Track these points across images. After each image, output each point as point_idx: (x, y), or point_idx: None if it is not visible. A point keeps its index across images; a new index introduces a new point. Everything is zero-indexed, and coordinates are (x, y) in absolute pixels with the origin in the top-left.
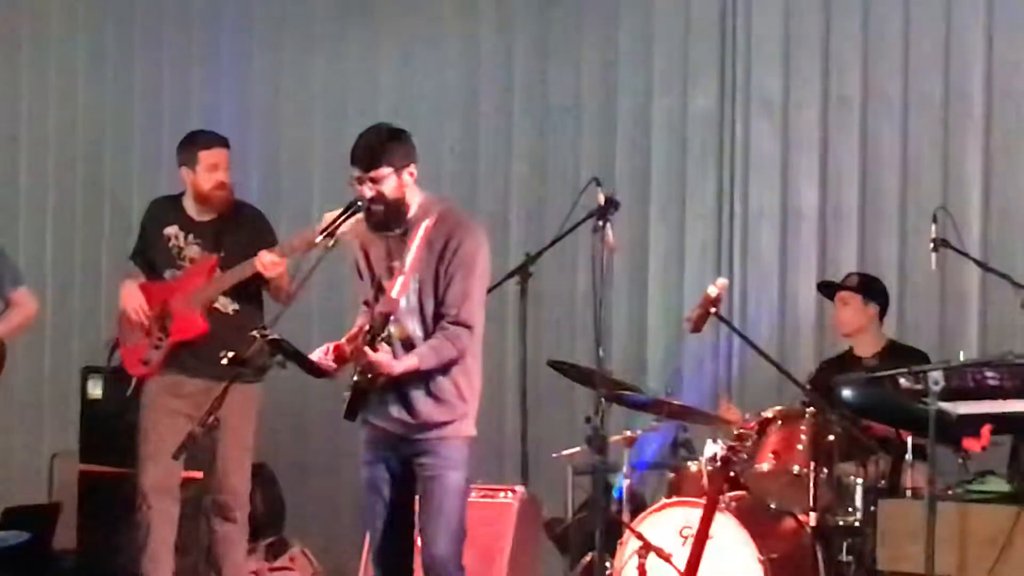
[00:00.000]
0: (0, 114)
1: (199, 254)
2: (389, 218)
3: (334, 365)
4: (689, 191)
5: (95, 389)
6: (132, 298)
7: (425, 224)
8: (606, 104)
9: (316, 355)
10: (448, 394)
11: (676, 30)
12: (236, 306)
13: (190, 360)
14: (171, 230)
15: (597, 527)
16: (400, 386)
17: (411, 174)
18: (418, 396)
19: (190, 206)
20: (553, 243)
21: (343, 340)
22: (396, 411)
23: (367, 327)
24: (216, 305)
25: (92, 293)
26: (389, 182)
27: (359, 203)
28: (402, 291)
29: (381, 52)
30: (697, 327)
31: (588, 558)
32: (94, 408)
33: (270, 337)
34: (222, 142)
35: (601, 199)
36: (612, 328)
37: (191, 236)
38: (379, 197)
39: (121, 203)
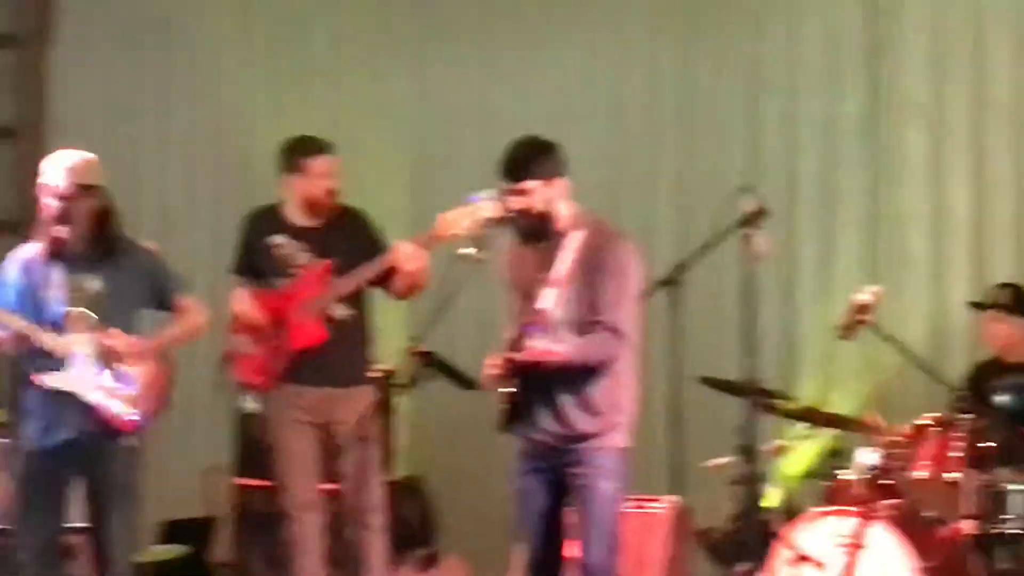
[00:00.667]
0: (155, 129)
1: (309, 261)
2: (537, 230)
3: (497, 373)
4: (838, 197)
5: (249, 403)
6: (245, 307)
7: (578, 236)
8: (753, 110)
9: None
10: (599, 405)
11: (823, 34)
12: (350, 311)
13: (307, 370)
14: (277, 239)
15: (751, 537)
16: (552, 397)
17: (559, 186)
18: (569, 407)
19: (293, 214)
20: (702, 251)
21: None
22: (548, 422)
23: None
24: (330, 312)
25: None
26: (536, 195)
27: (482, 202)
28: (554, 302)
29: (529, 60)
30: (849, 334)
31: (741, 568)
32: (248, 422)
33: (421, 350)
34: (329, 148)
35: (750, 207)
36: (761, 336)
37: (299, 243)
38: (526, 210)
39: None
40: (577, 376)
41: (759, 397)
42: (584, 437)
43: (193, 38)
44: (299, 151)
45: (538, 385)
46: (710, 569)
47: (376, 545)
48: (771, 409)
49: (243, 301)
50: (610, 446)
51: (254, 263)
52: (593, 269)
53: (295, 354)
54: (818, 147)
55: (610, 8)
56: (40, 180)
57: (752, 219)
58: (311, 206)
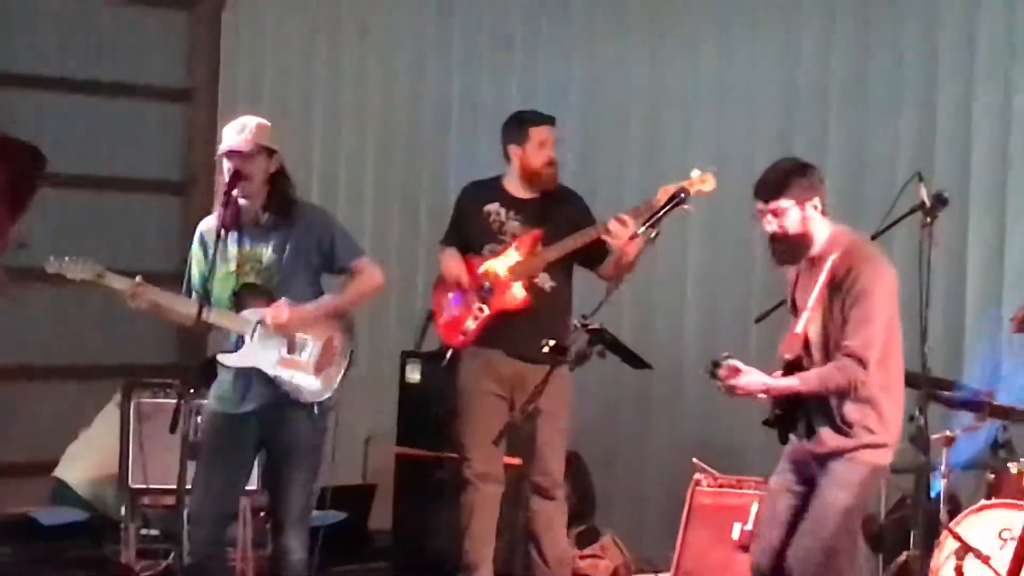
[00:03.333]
0: (323, 102)
1: (520, 230)
2: (792, 252)
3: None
4: (1011, 186)
5: (414, 374)
6: (454, 265)
7: (832, 259)
8: (926, 98)
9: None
10: (850, 424)
11: (1000, 22)
12: (553, 283)
13: (507, 336)
14: (491, 207)
15: (917, 527)
16: (808, 415)
17: (815, 207)
18: (821, 424)
19: (512, 184)
20: (873, 238)
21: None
22: (804, 439)
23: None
24: (535, 280)
25: (409, 278)
26: (791, 215)
27: (681, 195)
28: (806, 325)
29: (699, 44)
30: (1022, 327)
31: (903, 557)
32: (412, 392)
33: (592, 326)
34: (550, 120)
35: (926, 195)
36: (929, 326)
37: (512, 212)
38: (780, 232)
39: (438, 188)
40: (828, 398)
41: (931, 387)
42: (832, 454)
43: (365, 4)
44: (522, 121)
45: (797, 403)
46: (870, 558)
47: (556, 517)
48: (941, 399)
49: (452, 260)
50: (856, 459)
51: (467, 232)
52: (838, 293)
53: (496, 316)
54: (991, 135)
55: None
56: (220, 146)
57: (931, 207)
58: (531, 176)
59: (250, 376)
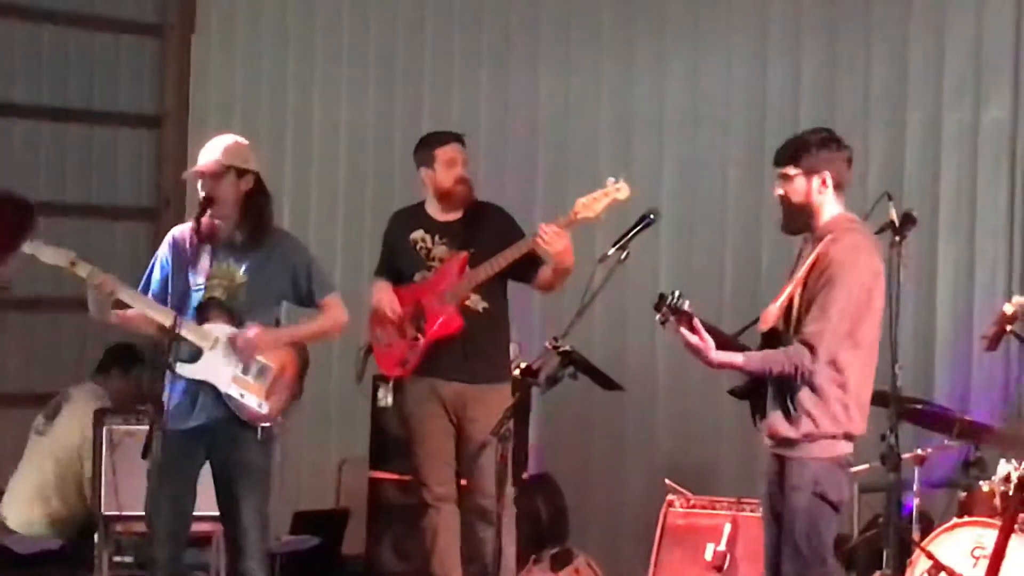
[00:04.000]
0: (293, 124)
1: (447, 253)
2: (792, 221)
3: None
4: (980, 205)
5: (386, 397)
6: (384, 297)
7: (825, 240)
8: (895, 116)
9: None
10: (800, 413)
11: (968, 41)
12: (486, 304)
13: (445, 361)
14: (417, 234)
15: (889, 545)
16: (769, 399)
17: (824, 182)
18: (773, 409)
19: (433, 208)
20: None
21: None
22: (760, 422)
23: None
24: (467, 303)
25: None
26: (796, 184)
27: (651, 216)
28: (784, 301)
29: (669, 64)
30: (993, 345)
31: None
32: (384, 416)
33: (563, 348)
34: (457, 138)
35: (895, 215)
36: (899, 344)
37: (438, 237)
38: (784, 197)
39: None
40: (780, 384)
41: (902, 406)
42: (782, 442)
43: (337, 28)
44: (429, 142)
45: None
46: None
47: (506, 544)
48: (913, 418)
49: (382, 292)
50: (806, 456)
51: (396, 261)
52: (813, 278)
53: (432, 343)
54: (960, 154)
55: (749, 14)
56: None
57: (900, 227)
58: (445, 197)
59: (199, 391)
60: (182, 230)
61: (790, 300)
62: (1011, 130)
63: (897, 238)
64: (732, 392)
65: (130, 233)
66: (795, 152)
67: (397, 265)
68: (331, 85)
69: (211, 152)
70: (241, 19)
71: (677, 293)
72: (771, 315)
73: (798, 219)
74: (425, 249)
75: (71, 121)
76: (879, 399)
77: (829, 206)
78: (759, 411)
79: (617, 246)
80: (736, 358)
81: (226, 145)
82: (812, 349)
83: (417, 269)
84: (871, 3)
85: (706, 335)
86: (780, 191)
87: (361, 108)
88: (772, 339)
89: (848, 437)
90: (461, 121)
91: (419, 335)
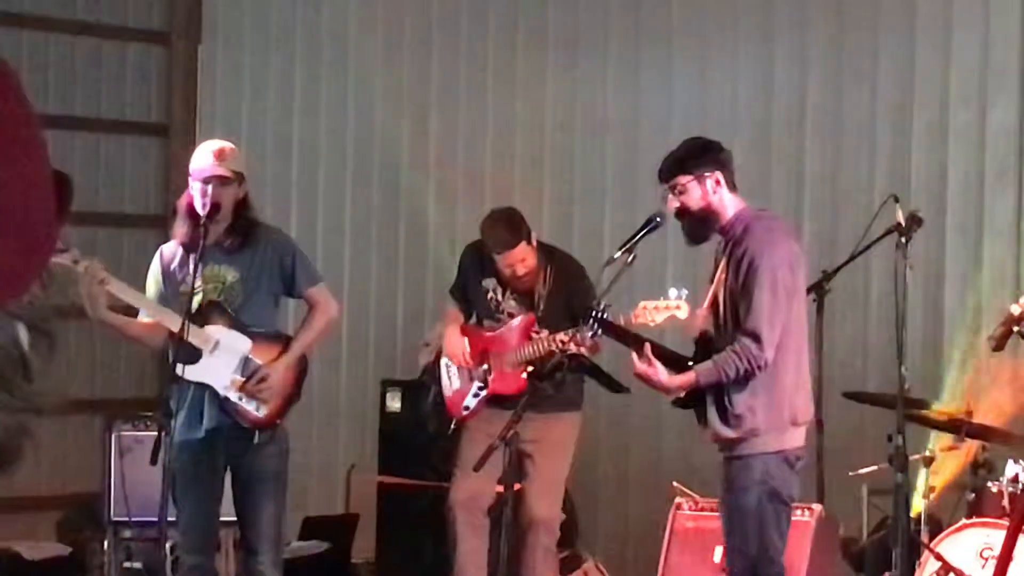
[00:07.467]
0: (300, 135)
1: (517, 309)
2: (697, 228)
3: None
4: (987, 207)
5: (394, 402)
6: (456, 345)
7: (738, 232)
8: (901, 120)
9: None
10: (737, 412)
11: (975, 42)
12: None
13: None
14: (489, 283)
15: (897, 547)
16: (708, 403)
17: (717, 182)
18: (712, 413)
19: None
20: (851, 259)
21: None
22: (703, 429)
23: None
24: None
25: (388, 306)
26: (691, 191)
27: (657, 219)
28: (709, 302)
29: (675, 70)
30: (1000, 345)
31: None
32: (392, 421)
33: (570, 351)
34: (508, 244)
35: (901, 216)
36: (906, 345)
37: (508, 292)
38: (682, 208)
39: (416, 215)
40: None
41: (909, 408)
42: (726, 444)
43: (344, 37)
44: (488, 245)
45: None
46: None
47: (537, 563)
48: (920, 419)
49: (455, 339)
50: (749, 454)
51: (468, 294)
52: (734, 269)
53: (493, 397)
54: (966, 155)
55: (756, 17)
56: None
57: (906, 228)
58: (507, 285)
59: (201, 396)
60: (169, 247)
61: (715, 300)
62: (1018, 131)
63: (904, 239)
64: (675, 403)
65: (137, 241)
66: (680, 162)
67: (469, 297)
68: (337, 94)
69: (221, 158)
70: (248, 28)
71: (603, 305)
72: (694, 320)
73: (702, 226)
74: (496, 301)
75: (78, 129)
76: (888, 401)
77: (729, 203)
78: (703, 418)
79: (624, 249)
80: (689, 377)
81: (227, 151)
82: (757, 338)
83: (486, 317)
84: (878, 6)
85: (656, 362)
86: (676, 204)
87: (368, 116)
88: (706, 343)
89: (795, 424)
90: (467, 131)
91: (483, 387)
